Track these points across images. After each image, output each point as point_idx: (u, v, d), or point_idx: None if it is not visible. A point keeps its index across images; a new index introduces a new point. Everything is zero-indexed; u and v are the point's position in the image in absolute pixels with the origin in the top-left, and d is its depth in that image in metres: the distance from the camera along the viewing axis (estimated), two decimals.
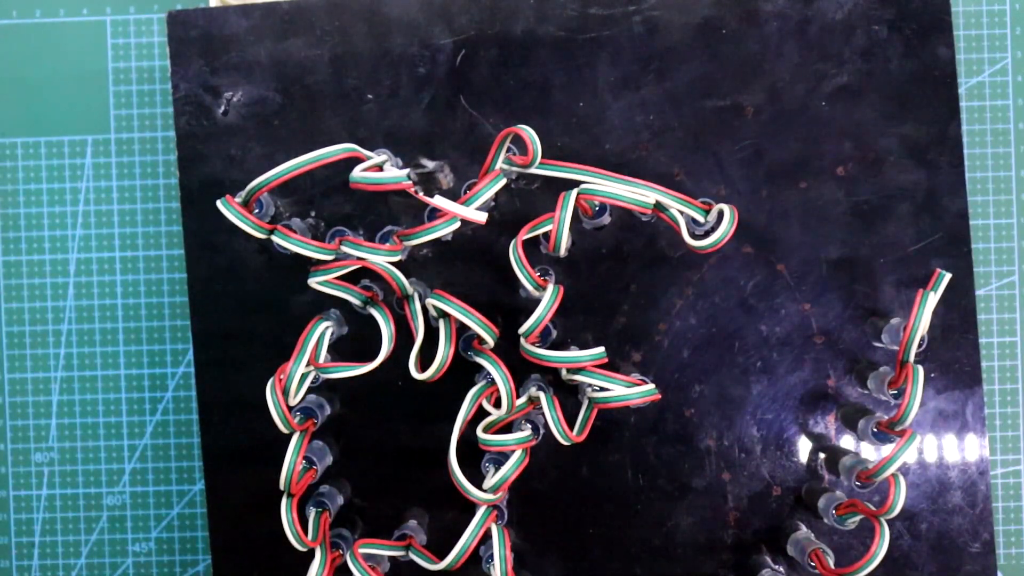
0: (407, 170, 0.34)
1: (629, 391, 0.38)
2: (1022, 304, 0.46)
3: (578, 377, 0.39)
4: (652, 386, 0.38)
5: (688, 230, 0.38)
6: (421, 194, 0.36)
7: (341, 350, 0.42)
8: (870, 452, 0.42)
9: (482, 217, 0.36)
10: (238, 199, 0.38)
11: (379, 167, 0.36)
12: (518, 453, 0.39)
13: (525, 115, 0.42)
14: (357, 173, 0.35)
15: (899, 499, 0.38)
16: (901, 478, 0.38)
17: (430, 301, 0.39)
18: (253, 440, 0.42)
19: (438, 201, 0.35)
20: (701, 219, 0.39)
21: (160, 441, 0.47)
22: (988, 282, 0.46)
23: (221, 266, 0.42)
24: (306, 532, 0.39)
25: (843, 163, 0.42)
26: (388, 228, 0.41)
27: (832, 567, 0.39)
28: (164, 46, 0.47)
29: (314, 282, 0.39)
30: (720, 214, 0.38)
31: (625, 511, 0.43)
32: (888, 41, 0.42)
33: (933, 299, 0.38)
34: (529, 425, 0.40)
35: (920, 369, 0.38)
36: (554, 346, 0.41)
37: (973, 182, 0.46)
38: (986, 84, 0.46)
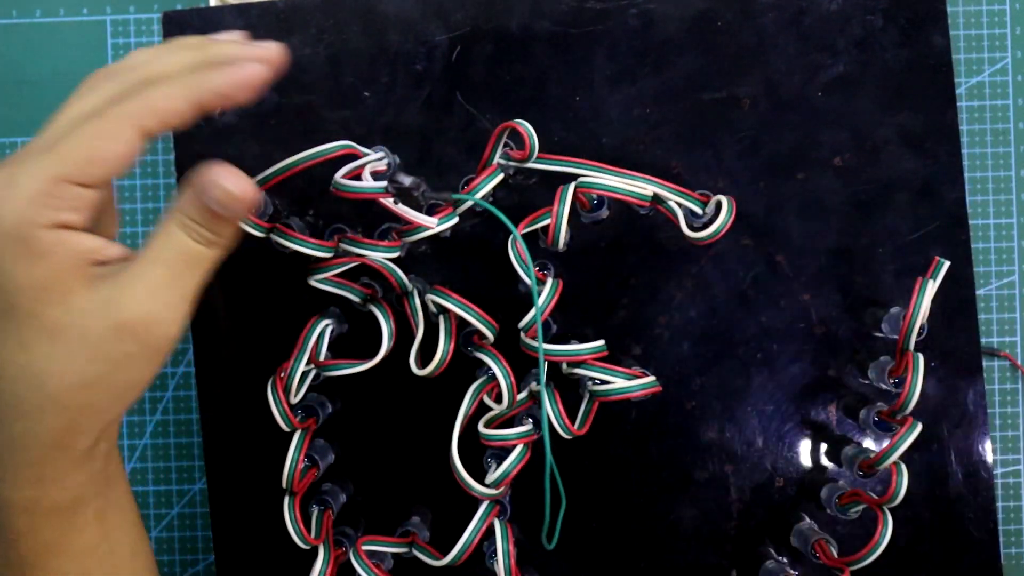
0: (384, 183, 0.34)
1: (630, 383, 0.38)
2: (1022, 304, 0.46)
3: (579, 371, 0.39)
4: (653, 378, 0.39)
5: (686, 222, 0.38)
6: (388, 203, 0.35)
7: (341, 348, 0.42)
8: (871, 442, 0.42)
9: (439, 226, 0.36)
10: None
11: (359, 171, 0.36)
12: (520, 448, 0.39)
13: (522, 110, 0.42)
14: (339, 179, 0.35)
15: (901, 487, 0.38)
16: (903, 466, 0.38)
17: (430, 297, 0.39)
18: (254, 439, 0.42)
19: (401, 209, 0.35)
20: (699, 211, 0.39)
21: (160, 441, 0.47)
22: (988, 282, 0.46)
23: (220, 265, 0.42)
24: (309, 530, 0.39)
25: (840, 153, 0.42)
26: (386, 225, 0.41)
27: (836, 556, 0.39)
28: None
29: (314, 280, 0.39)
30: (718, 205, 0.38)
31: (628, 504, 0.43)
32: (883, 30, 0.42)
33: (932, 287, 0.38)
34: (530, 420, 0.40)
35: (920, 357, 0.38)
36: (555, 340, 0.41)
37: (973, 182, 0.46)
38: (986, 84, 0.46)
